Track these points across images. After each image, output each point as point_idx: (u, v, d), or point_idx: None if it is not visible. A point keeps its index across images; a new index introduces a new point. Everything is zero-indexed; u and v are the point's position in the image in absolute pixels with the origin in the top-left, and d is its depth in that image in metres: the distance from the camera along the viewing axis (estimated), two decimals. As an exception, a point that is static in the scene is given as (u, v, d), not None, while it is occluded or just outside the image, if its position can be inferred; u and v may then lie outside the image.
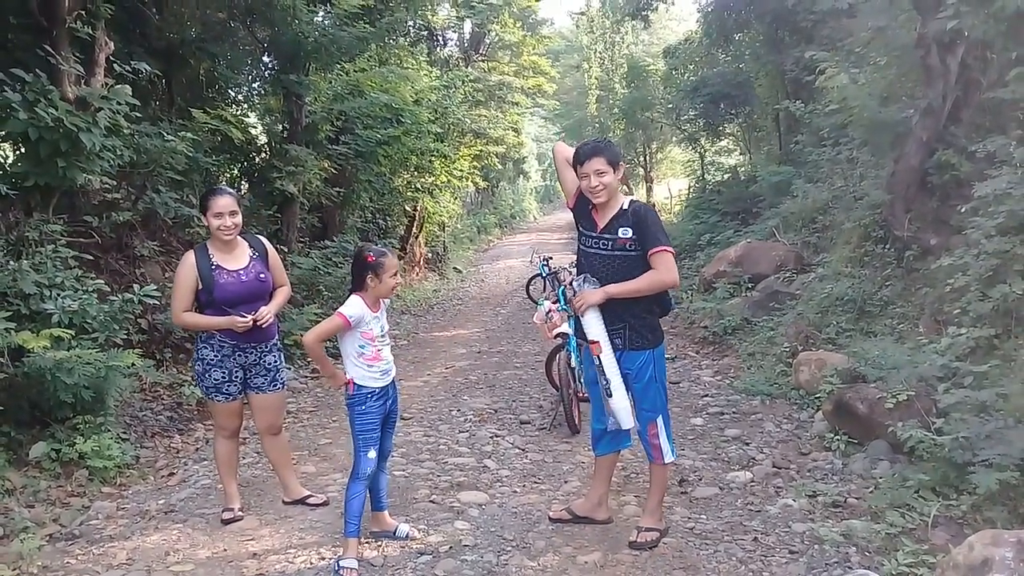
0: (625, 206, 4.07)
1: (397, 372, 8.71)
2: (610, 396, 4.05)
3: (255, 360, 4.52)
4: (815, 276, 8.45)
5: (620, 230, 4.03)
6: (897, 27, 7.61)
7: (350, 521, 3.98)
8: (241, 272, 4.45)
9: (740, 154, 18.83)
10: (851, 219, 8.26)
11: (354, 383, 4.01)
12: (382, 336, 4.09)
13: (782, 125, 14.13)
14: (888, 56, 8.17)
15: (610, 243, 4.06)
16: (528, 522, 4.56)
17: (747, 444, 5.87)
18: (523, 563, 4.03)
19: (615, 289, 3.99)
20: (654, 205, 26.56)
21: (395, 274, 4.02)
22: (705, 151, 19.02)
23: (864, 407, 5.38)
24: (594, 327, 4.06)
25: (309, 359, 7.75)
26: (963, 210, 5.98)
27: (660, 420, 4.17)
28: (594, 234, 4.13)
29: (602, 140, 4.25)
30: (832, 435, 5.58)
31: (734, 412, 6.70)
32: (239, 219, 4.46)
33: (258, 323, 4.39)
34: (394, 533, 4.28)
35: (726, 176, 17.47)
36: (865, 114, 7.82)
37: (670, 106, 19.22)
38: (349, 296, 4.05)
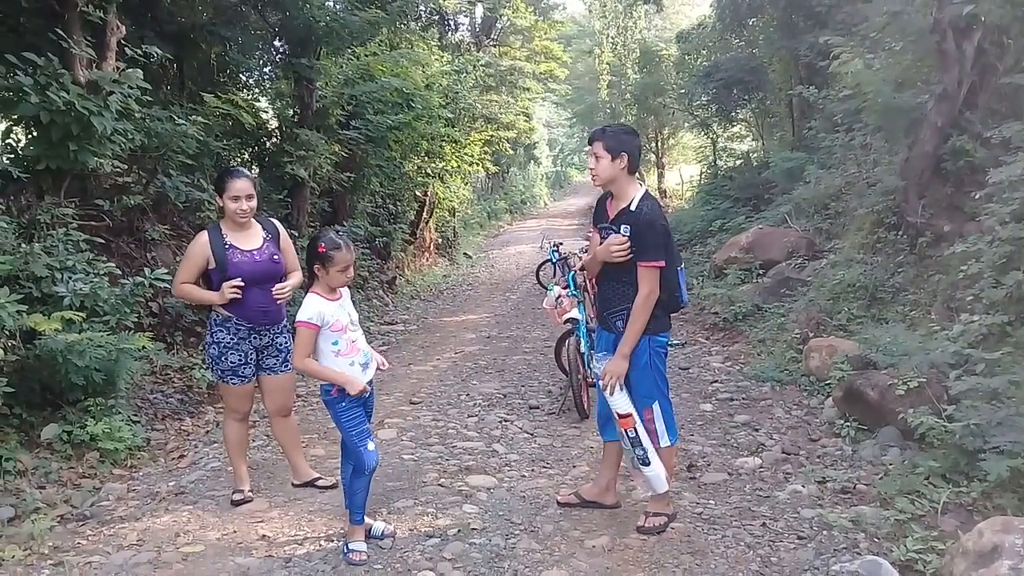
0: (634, 206, 4.06)
1: (407, 356, 8.71)
2: (647, 465, 4.09)
3: (268, 341, 4.55)
4: (827, 262, 8.42)
5: (622, 227, 4.06)
6: (913, 12, 7.53)
7: (355, 512, 3.99)
8: (255, 252, 4.48)
9: (752, 140, 18.73)
10: (864, 205, 8.21)
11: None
12: (352, 325, 3.96)
13: (795, 111, 14.05)
14: (903, 41, 8.08)
15: (614, 235, 4.10)
16: (536, 506, 4.57)
17: (756, 430, 5.86)
18: (531, 547, 4.04)
19: (627, 348, 4.02)
20: (665, 192, 26.52)
21: (345, 269, 3.84)
22: (717, 137, 18.92)
23: (875, 394, 5.36)
24: (622, 401, 4.08)
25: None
26: (977, 196, 5.94)
27: (656, 406, 4.15)
28: (606, 224, 4.19)
29: (611, 127, 4.24)
30: (842, 421, 5.57)
31: (744, 398, 6.69)
32: (255, 203, 4.49)
33: (275, 298, 4.43)
34: (369, 532, 4.11)
35: (738, 162, 17.39)
36: (879, 100, 7.75)
37: (682, 91, 19.12)
38: (305, 296, 3.89)
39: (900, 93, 7.69)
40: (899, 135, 7.97)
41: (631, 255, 4.01)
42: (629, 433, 4.08)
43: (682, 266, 4.27)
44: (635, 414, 4.07)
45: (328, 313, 3.84)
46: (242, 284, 4.36)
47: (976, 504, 4.06)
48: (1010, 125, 5.90)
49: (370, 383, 4.05)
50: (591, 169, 4.15)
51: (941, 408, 4.70)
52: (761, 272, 9.75)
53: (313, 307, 3.82)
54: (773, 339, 7.92)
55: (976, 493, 4.10)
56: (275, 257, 4.57)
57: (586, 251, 9.90)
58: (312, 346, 3.85)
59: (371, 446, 3.95)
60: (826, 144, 10.65)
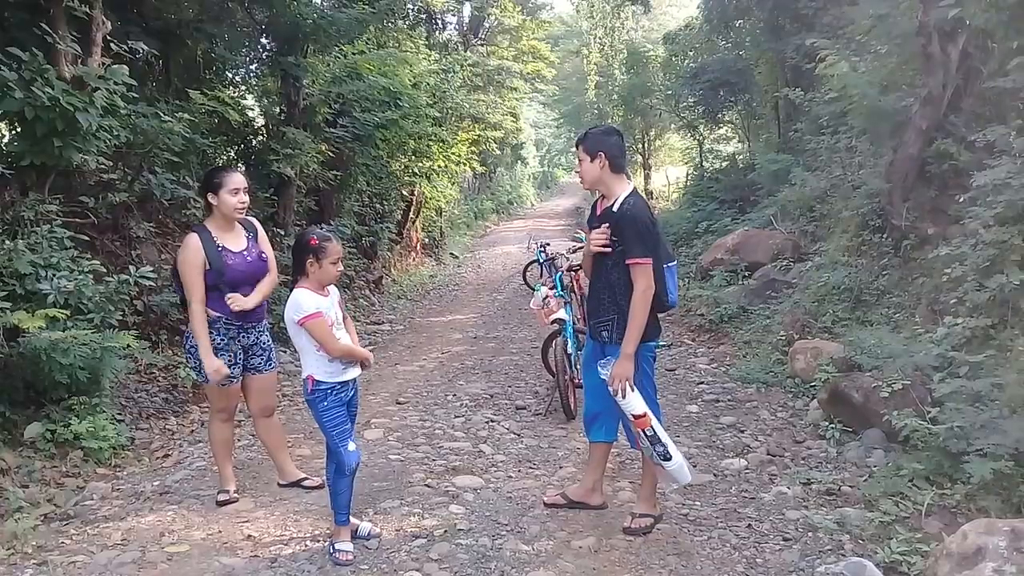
0: (616, 206, 4.08)
1: (393, 356, 8.69)
2: (668, 460, 4.02)
3: (254, 340, 4.54)
4: (812, 265, 8.46)
5: (603, 225, 4.10)
6: (898, 15, 7.58)
7: (340, 512, 3.98)
8: (245, 252, 4.47)
9: (738, 142, 18.80)
10: (849, 208, 8.26)
11: (314, 379, 3.86)
12: (338, 324, 3.94)
13: (781, 113, 14.10)
14: (889, 44, 8.14)
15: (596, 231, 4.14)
16: (523, 507, 4.57)
17: (742, 432, 5.89)
18: (518, 547, 4.04)
19: (629, 346, 3.97)
20: (651, 194, 26.57)
21: (337, 261, 3.85)
22: (704, 138, 18.98)
23: (859, 396, 5.39)
24: (636, 402, 4.01)
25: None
26: (961, 200, 5.99)
27: None
28: (594, 224, 4.23)
29: (593, 129, 4.30)
30: (827, 423, 5.60)
31: (729, 400, 6.72)
32: (248, 197, 4.47)
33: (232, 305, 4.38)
34: (355, 532, 4.09)
35: (724, 164, 17.44)
36: (865, 102, 7.80)
37: (669, 93, 19.16)
38: (292, 292, 3.86)
39: (885, 96, 7.75)
40: (884, 138, 8.03)
41: (615, 248, 4.03)
42: (647, 432, 4.00)
43: (672, 264, 4.24)
44: (650, 412, 4.02)
45: (321, 307, 3.83)
46: (225, 371, 4.34)
47: (959, 506, 4.10)
48: (994, 129, 5.94)
49: (354, 382, 4.05)
50: (578, 172, 4.24)
51: (925, 410, 4.74)
52: (747, 274, 9.80)
53: (309, 300, 3.80)
54: (758, 341, 7.96)
55: (959, 495, 4.14)
56: (263, 255, 4.58)
57: (575, 252, 10.09)
58: (327, 331, 3.81)
59: (352, 446, 3.94)
60: (811, 146, 10.72)
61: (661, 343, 8.93)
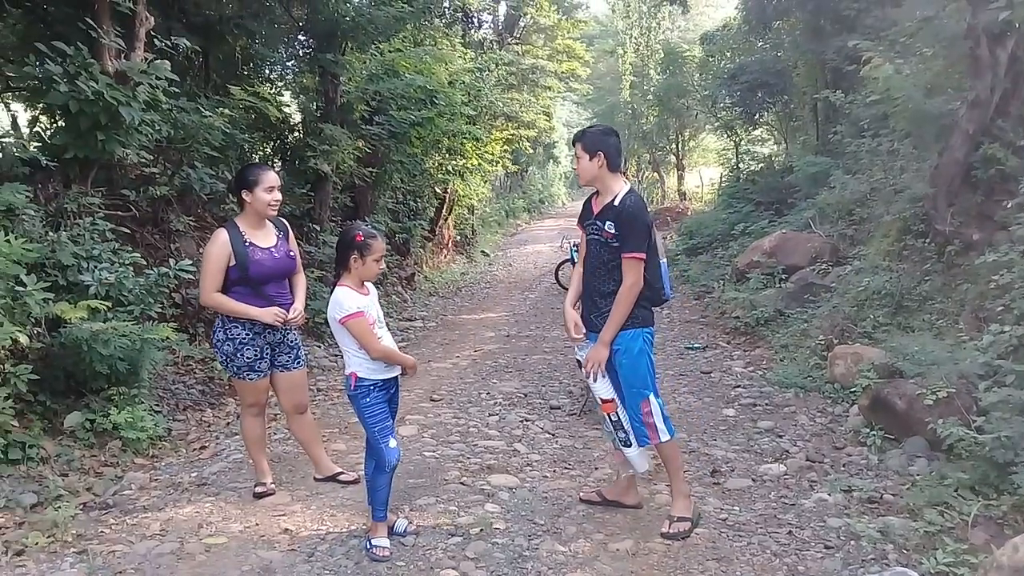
0: (617, 201, 4.13)
1: (427, 353, 8.69)
2: (629, 447, 4.22)
3: (280, 338, 4.55)
4: (851, 269, 8.32)
5: (607, 224, 4.14)
6: (945, 17, 7.43)
7: (378, 508, 3.97)
8: (272, 249, 4.47)
9: (775, 144, 18.60)
10: (891, 212, 8.10)
11: (357, 376, 3.88)
12: (379, 322, 3.95)
13: (820, 115, 13.90)
14: (935, 46, 7.97)
15: (599, 232, 4.19)
16: (559, 507, 4.53)
17: (780, 436, 5.80)
18: (554, 548, 4.01)
19: (608, 334, 4.09)
20: (684, 194, 26.39)
21: (380, 259, 3.89)
22: (740, 140, 18.81)
23: (902, 403, 5.29)
24: (604, 387, 4.19)
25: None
26: (1008, 205, 5.86)
27: (652, 399, 4.15)
28: (590, 220, 4.29)
29: (591, 128, 4.37)
30: (868, 430, 5.50)
31: (767, 404, 6.62)
32: (280, 194, 4.50)
33: (289, 324, 4.48)
34: (391, 528, 4.09)
35: (760, 166, 17.26)
36: (909, 105, 7.65)
37: (706, 93, 19.01)
38: (333, 291, 3.89)
39: (931, 99, 7.59)
40: (929, 141, 7.87)
41: (618, 245, 4.08)
42: (611, 417, 4.22)
43: (664, 260, 4.31)
44: (617, 399, 4.19)
45: (362, 306, 3.83)
46: (286, 316, 4.42)
47: (1006, 517, 4.00)
48: (1044, 134, 5.81)
49: (395, 380, 4.04)
50: (575, 169, 4.33)
51: (970, 419, 4.63)
52: (784, 277, 9.66)
53: (351, 298, 3.81)
54: (796, 345, 7.84)
55: (1006, 506, 4.04)
56: (291, 253, 4.60)
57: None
58: (370, 333, 3.82)
59: (393, 443, 3.94)
60: (851, 149, 10.53)
61: (696, 345, 8.93)
